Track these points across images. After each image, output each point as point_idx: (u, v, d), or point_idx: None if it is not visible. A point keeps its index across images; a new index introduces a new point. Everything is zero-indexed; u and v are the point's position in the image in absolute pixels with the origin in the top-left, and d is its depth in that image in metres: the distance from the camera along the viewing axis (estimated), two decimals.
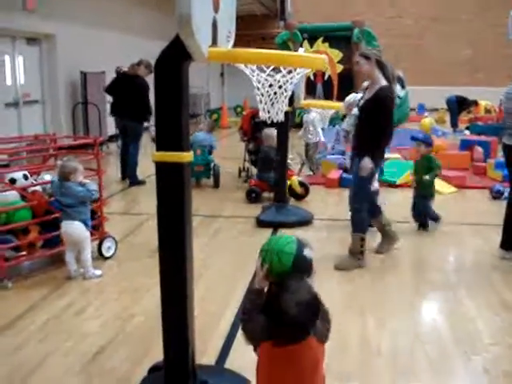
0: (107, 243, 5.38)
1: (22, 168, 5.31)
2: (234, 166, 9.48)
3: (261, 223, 6.48)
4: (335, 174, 8.57)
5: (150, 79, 7.88)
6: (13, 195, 4.88)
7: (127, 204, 8.08)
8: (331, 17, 19.90)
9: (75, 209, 4.74)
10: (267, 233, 6.10)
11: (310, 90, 16.67)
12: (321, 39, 16.50)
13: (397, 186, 8.46)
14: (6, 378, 3.40)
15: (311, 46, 16.43)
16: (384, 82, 4.94)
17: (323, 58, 2.87)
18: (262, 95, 3.02)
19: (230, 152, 10.74)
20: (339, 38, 16.49)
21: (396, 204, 7.55)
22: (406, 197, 7.98)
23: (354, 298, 4.59)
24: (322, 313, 2.18)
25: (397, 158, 9.65)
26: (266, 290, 2.27)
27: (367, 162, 5.03)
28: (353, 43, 16.12)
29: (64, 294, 4.62)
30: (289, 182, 7.37)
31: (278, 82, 2.91)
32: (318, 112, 8.69)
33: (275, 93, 3.04)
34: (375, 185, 6.43)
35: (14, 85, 10.70)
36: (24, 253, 4.89)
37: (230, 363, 3.46)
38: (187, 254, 2.75)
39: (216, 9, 2.58)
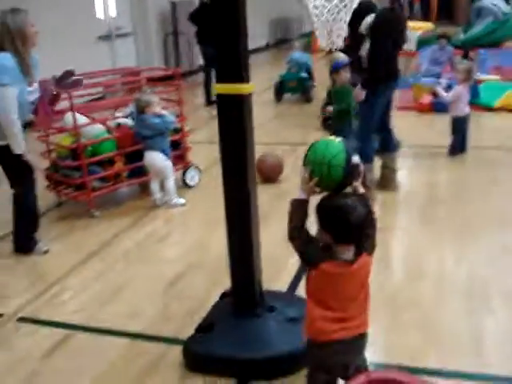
0: (191, 172, 5.50)
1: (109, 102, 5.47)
2: (323, 91, 9.30)
3: None
4: (426, 99, 8.20)
5: None
6: (98, 128, 5.05)
7: (214, 133, 8.10)
8: None
9: (154, 139, 4.86)
10: None
11: (408, 9, 15.93)
12: None
13: (494, 110, 7.98)
14: (91, 300, 3.64)
15: None
16: (382, 5, 4.69)
17: None
18: (319, 19, 2.88)
19: (320, 78, 10.50)
20: None
21: (492, 129, 7.18)
22: (503, 121, 7.57)
23: (433, 229, 4.48)
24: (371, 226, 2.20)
25: (495, 80, 9.05)
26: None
27: (358, 91, 4.81)
28: None
29: (148, 222, 4.83)
30: None
31: (337, 6, 2.75)
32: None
33: (334, 18, 2.90)
34: (465, 109, 6.12)
35: (105, 18, 10.90)
36: (111, 183, 5.09)
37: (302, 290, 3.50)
38: (250, 184, 2.77)
39: None
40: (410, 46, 8.60)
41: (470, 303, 3.36)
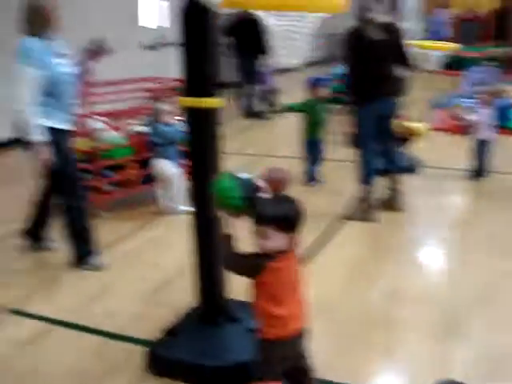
0: None
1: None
2: None
3: None
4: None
5: None
6: (115, 134, 5.27)
7: (241, 144, 8.07)
8: None
9: (163, 148, 5.03)
10: None
11: (461, 29, 15.66)
12: None
13: None
14: (82, 297, 3.84)
15: None
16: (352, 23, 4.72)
17: (337, 1, 2.66)
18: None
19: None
20: None
21: None
22: None
23: (428, 252, 4.45)
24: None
25: None
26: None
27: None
28: None
29: (152, 228, 5.00)
30: None
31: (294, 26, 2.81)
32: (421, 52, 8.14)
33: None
34: (487, 133, 5.98)
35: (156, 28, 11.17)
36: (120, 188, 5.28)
37: None
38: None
39: None
40: (428, 65, 8.46)
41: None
